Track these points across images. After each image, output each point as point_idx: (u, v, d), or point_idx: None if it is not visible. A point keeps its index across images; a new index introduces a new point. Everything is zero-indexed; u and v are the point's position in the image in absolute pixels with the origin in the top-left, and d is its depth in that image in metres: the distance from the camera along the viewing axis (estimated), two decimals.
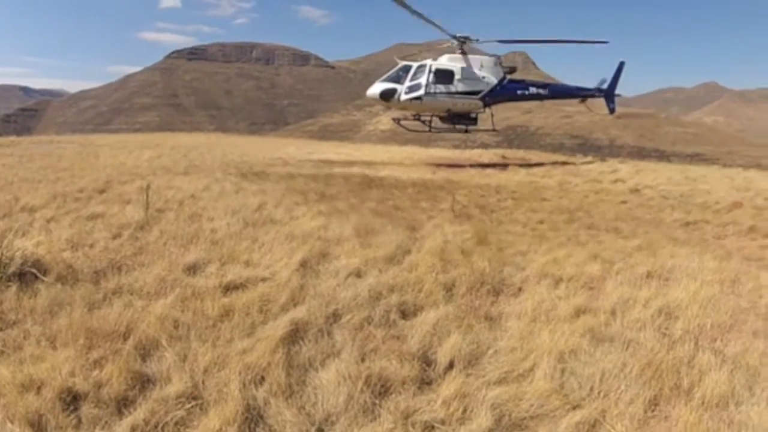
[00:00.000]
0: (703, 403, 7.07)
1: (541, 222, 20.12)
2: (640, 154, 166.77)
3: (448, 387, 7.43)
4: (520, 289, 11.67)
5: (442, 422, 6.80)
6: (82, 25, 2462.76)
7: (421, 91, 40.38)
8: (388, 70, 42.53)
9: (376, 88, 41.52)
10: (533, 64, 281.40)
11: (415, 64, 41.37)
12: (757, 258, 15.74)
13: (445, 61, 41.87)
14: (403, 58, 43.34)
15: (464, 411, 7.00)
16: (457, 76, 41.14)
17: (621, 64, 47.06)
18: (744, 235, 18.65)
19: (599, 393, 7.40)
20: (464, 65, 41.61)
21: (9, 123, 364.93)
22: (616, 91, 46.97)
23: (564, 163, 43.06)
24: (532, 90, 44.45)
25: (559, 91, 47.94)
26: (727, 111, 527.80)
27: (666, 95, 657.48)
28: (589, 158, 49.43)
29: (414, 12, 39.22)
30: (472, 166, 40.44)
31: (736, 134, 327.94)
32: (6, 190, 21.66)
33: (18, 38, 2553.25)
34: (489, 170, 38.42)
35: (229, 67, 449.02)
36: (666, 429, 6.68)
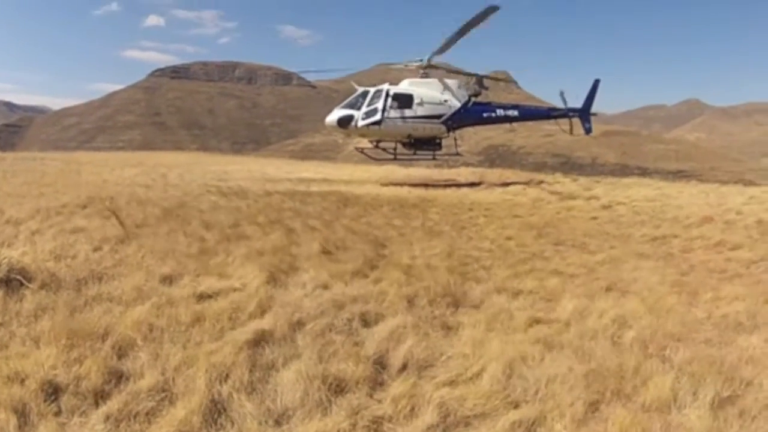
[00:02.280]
0: (643, 406, 7.42)
1: (509, 238, 20.41)
2: (622, 171, 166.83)
3: (398, 387, 7.88)
4: (480, 301, 12.12)
5: (390, 419, 7.24)
6: (67, 42, 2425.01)
7: (378, 116, 39.77)
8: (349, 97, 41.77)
9: (333, 116, 40.94)
10: (515, 83, 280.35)
11: (372, 89, 40.86)
12: (720, 270, 16.00)
13: (404, 86, 41.43)
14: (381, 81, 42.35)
15: (412, 409, 7.44)
16: (416, 100, 40.47)
17: (596, 82, 46.20)
18: (711, 249, 18.85)
19: (542, 395, 7.76)
20: (424, 89, 41.06)
21: None
22: (592, 110, 45.82)
23: (540, 182, 42.88)
24: (500, 112, 43.69)
25: (529, 113, 47.44)
26: (709, 127, 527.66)
27: (648, 113, 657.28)
28: (570, 177, 48.58)
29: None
30: (448, 185, 40.51)
31: (718, 150, 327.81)
32: None
33: (2, 53, 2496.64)
34: (465, 189, 38.57)
35: (212, 86, 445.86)
36: (601, 428, 6.99)
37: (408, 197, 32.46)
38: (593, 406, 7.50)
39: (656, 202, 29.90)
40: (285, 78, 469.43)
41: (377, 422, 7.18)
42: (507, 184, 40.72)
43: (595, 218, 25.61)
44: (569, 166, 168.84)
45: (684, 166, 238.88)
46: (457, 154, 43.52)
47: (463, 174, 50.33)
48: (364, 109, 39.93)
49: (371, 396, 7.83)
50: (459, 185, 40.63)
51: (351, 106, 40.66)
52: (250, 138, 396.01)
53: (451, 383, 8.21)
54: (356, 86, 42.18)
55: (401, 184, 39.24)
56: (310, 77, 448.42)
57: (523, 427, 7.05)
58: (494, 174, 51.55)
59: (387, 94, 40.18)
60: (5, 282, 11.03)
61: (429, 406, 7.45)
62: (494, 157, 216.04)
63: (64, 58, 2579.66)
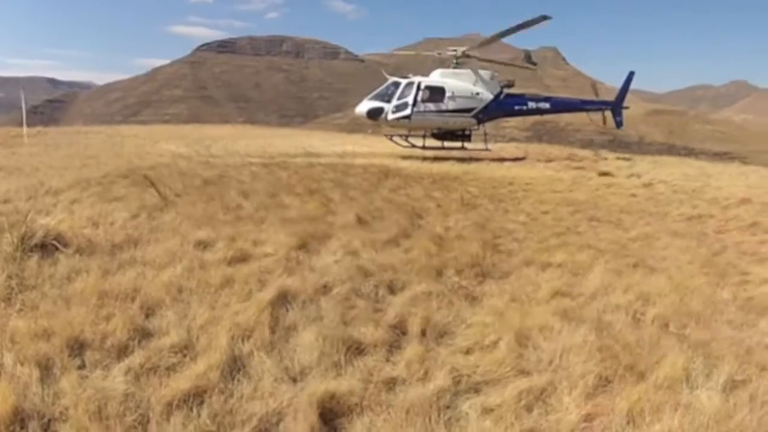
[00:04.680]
0: (655, 383, 7.35)
1: (546, 212, 20.43)
2: (669, 151, 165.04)
3: (413, 351, 8.08)
4: (508, 273, 12.17)
5: (403, 381, 7.42)
6: (113, 18, 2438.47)
7: (408, 111, 39.26)
8: (380, 86, 41.26)
9: (363, 107, 40.52)
10: (563, 59, 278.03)
11: (403, 81, 40.13)
12: (752, 252, 15.75)
13: (436, 77, 40.74)
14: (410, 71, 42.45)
15: (425, 372, 7.61)
16: (448, 93, 39.82)
17: (630, 75, 45.75)
18: (745, 230, 18.56)
19: (555, 366, 7.81)
20: (456, 81, 40.42)
21: (36, 114, 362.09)
22: (625, 103, 45.19)
23: (583, 158, 42.55)
24: (532, 104, 43.10)
25: (562, 105, 47.12)
26: (756, 109, 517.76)
27: (696, 92, 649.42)
28: (614, 155, 48.32)
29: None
30: (491, 159, 39.73)
31: (765, 133, 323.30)
32: (32, 175, 22.37)
33: (45, 30, 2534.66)
34: (507, 163, 38.25)
35: (259, 60, 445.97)
36: (609, 402, 6.98)
37: (450, 171, 32.40)
38: (604, 380, 7.51)
39: (696, 182, 29.30)
40: (332, 52, 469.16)
41: (389, 383, 7.34)
42: (550, 160, 40.41)
43: (634, 195, 25.42)
44: (616, 144, 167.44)
45: (729, 148, 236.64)
46: (486, 149, 42.11)
47: (508, 150, 49.63)
48: (394, 102, 39.50)
49: (387, 359, 8.01)
50: (502, 160, 40.25)
51: (381, 97, 40.27)
52: (297, 111, 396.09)
53: (467, 350, 8.36)
54: (387, 76, 41.77)
55: (445, 159, 38.96)
56: (358, 51, 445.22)
57: (531, 395, 7.10)
58: (538, 150, 51.23)
59: (418, 87, 39.66)
60: (40, 247, 11.26)
61: (442, 371, 7.60)
62: (542, 134, 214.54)
63: (109, 34, 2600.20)
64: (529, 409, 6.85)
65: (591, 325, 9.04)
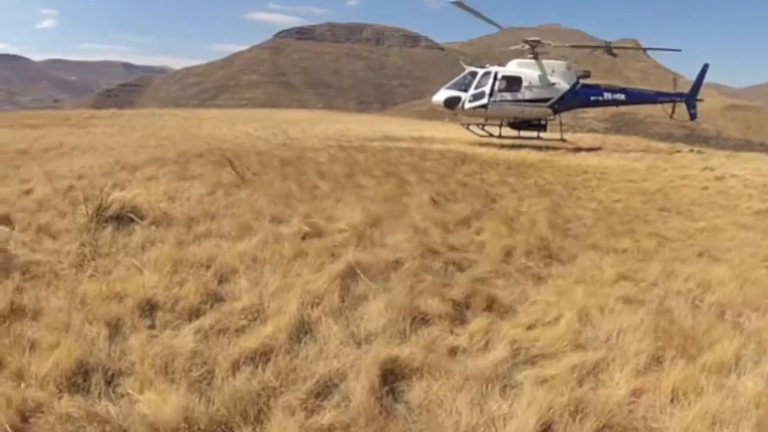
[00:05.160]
0: (703, 366, 7.36)
1: (617, 201, 20.50)
2: (746, 146, 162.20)
3: (477, 324, 8.30)
4: (574, 256, 12.35)
5: (464, 350, 7.66)
6: (189, 5, 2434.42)
7: (485, 100, 39.46)
8: (457, 75, 41.54)
9: (440, 96, 40.86)
10: (643, 51, 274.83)
11: (481, 71, 40.36)
12: None
13: (513, 67, 40.87)
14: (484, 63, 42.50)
15: (486, 344, 7.83)
16: (525, 83, 39.92)
17: (704, 67, 45.01)
18: None
19: (610, 344, 7.95)
20: (533, 71, 40.48)
21: (110, 97, 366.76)
22: (699, 96, 44.55)
23: (660, 150, 42.10)
24: (607, 95, 42.90)
25: (637, 97, 46.41)
26: None
27: None
28: (690, 148, 47.30)
29: (473, 12, 39.49)
30: (568, 149, 39.88)
31: None
32: (107, 154, 23.16)
33: (121, 15, 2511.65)
34: (583, 153, 38.28)
35: (339, 47, 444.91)
36: (657, 380, 7.03)
37: (526, 158, 32.61)
38: (656, 360, 7.58)
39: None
40: (413, 39, 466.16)
41: (451, 352, 7.59)
42: (626, 151, 40.10)
43: (705, 188, 25.08)
44: (694, 138, 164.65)
45: None
46: (562, 140, 42.09)
47: (585, 140, 49.32)
48: (471, 91, 39.68)
49: (451, 331, 8.25)
50: (578, 149, 40.24)
51: (458, 86, 40.47)
52: (376, 98, 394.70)
53: (529, 326, 8.54)
54: (464, 66, 41.87)
55: (521, 146, 38.92)
56: (439, 40, 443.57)
57: (584, 369, 7.24)
58: (615, 140, 50.97)
59: (495, 77, 39.81)
60: (116, 218, 11.69)
61: (502, 343, 7.80)
62: (620, 125, 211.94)
63: (185, 20, 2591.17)
64: (581, 381, 6.97)
65: (649, 309, 9.16)
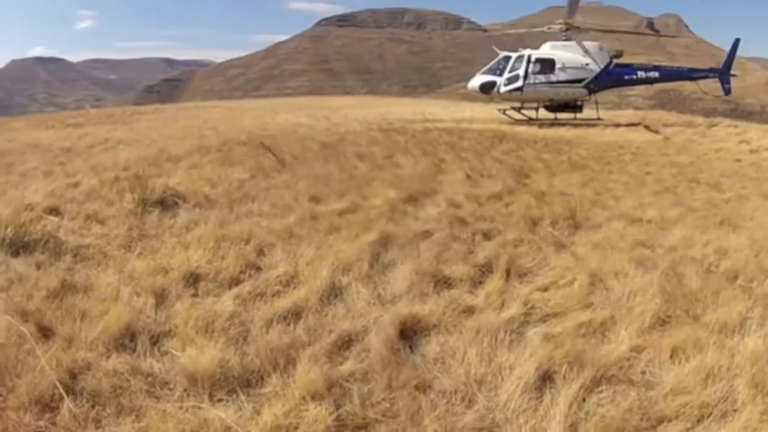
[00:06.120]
0: (707, 326, 7.62)
1: (649, 173, 20.81)
2: None
3: (495, 286, 8.84)
4: (599, 226, 12.73)
5: (480, 309, 8.19)
6: None
7: (520, 83, 40.13)
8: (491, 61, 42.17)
9: (475, 81, 41.64)
10: (686, 26, 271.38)
11: (514, 55, 40.96)
12: None
13: (546, 50, 41.43)
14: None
15: (501, 303, 8.36)
16: (558, 65, 40.61)
17: (736, 42, 44.91)
18: None
19: (618, 305, 8.34)
20: (566, 53, 41.00)
21: (152, 93, 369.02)
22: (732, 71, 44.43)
23: (699, 125, 41.80)
24: (641, 74, 43.30)
25: (670, 74, 46.68)
26: None
27: None
28: (730, 122, 46.08)
29: None
30: (606, 125, 40.25)
31: None
32: (151, 146, 23.94)
33: (158, 12, 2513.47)
34: (621, 129, 38.41)
35: (380, 32, 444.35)
36: (659, 338, 7.37)
37: (564, 135, 33.15)
38: (661, 320, 7.86)
39: None
40: (455, 22, 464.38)
41: (468, 310, 8.14)
42: (666, 126, 40.19)
43: (738, 160, 25.29)
44: (738, 113, 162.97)
45: None
46: (599, 119, 42.35)
47: (626, 116, 49.69)
48: (506, 75, 40.47)
49: (471, 292, 8.80)
50: (617, 125, 40.36)
51: (493, 71, 41.25)
52: (420, 81, 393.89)
53: (544, 288, 9.03)
54: (498, 51, 42.40)
55: (562, 124, 39.58)
56: (481, 21, 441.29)
57: (591, 327, 7.67)
58: (656, 116, 50.62)
59: (529, 60, 40.43)
60: (161, 203, 12.47)
61: (516, 303, 8.33)
62: (665, 102, 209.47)
63: (225, 12, 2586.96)
64: (586, 338, 7.46)
65: (663, 273, 9.39)
